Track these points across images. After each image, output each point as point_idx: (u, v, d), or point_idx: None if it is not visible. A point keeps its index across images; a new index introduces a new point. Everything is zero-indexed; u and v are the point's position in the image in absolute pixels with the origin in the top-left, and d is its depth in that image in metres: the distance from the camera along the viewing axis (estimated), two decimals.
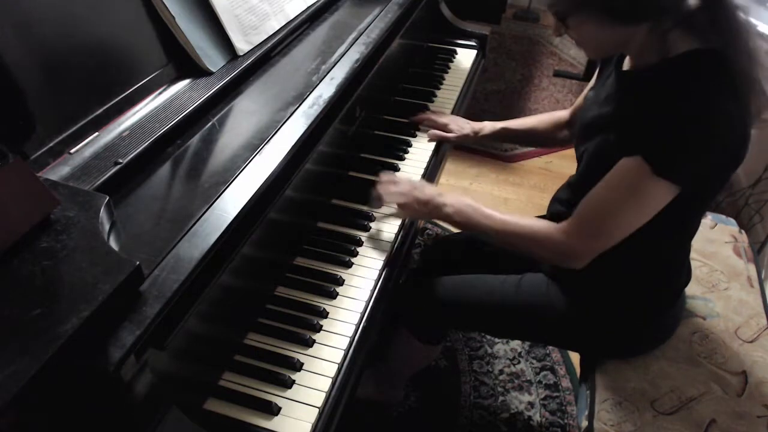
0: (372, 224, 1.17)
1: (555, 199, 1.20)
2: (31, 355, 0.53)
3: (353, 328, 0.97)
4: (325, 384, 0.88)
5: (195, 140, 0.93)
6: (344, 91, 1.11)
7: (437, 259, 1.44)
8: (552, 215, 1.18)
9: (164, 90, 0.99)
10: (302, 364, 0.90)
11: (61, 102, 0.83)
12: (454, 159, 2.57)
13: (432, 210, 1.11)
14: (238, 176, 0.85)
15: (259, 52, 1.13)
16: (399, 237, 1.16)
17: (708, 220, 1.52)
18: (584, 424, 1.11)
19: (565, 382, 1.70)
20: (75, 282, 0.60)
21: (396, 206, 1.16)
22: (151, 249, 0.71)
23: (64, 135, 0.82)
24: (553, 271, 1.17)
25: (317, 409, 0.85)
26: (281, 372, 0.89)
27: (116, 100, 0.90)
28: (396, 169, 1.31)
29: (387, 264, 1.10)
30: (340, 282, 1.04)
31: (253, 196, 0.82)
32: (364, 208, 1.19)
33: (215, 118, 0.98)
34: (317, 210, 1.17)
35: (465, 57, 1.77)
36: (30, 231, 0.64)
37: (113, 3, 0.92)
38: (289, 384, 0.87)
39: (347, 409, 0.90)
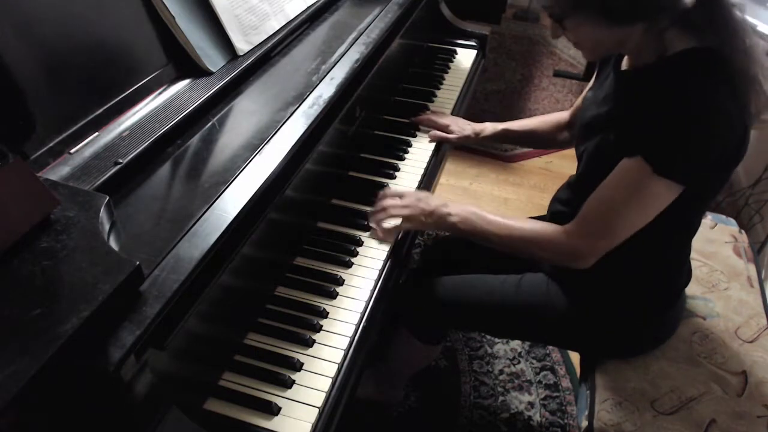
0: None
1: (555, 199, 1.20)
2: (31, 355, 0.53)
3: (353, 328, 0.97)
4: (325, 384, 0.88)
5: (195, 140, 0.93)
6: (344, 91, 1.11)
7: (437, 259, 1.44)
8: (552, 215, 1.18)
9: (164, 90, 0.99)
10: (302, 364, 0.90)
11: (61, 102, 0.83)
12: (454, 159, 2.57)
13: (437, 220, 1.12)
14: (238, 176, 0.85)
15: (259, 52, 1.13)
16: (399, 237, 1.16)
17: (708, 220, 1.52)
18: (584, 424, 1.11)
19: (565, 382, 1.70)
20: (75, 282, 0.60)
21: (401, 219, 1.15)
22: (151, 249, 0.71)
23: (64, 135, 0.82)
24: (553, 270, 1.17)
25: (317, 409, 0.85)
26: (281, 372, 0.89)
27: (116, 100, 0.90)
28: (396, 168, 1.31)
29: (387, 264, 1.10)
30: (340, 282, 1.04)
31: (253, 196, 0.82)
32: (364, 208, 1.19)
33: (215, 118, 0.98)
34: (317, 210, 1.17)
35: (465, 57, 1.77)
36: (30, 231, 0.64)
37: (113, 3, 0.92)
38: (289, 384, 0.87)
39: (347, 409, 0.90)
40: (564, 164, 2.59)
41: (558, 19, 0.95)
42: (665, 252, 1.08)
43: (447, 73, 1.69)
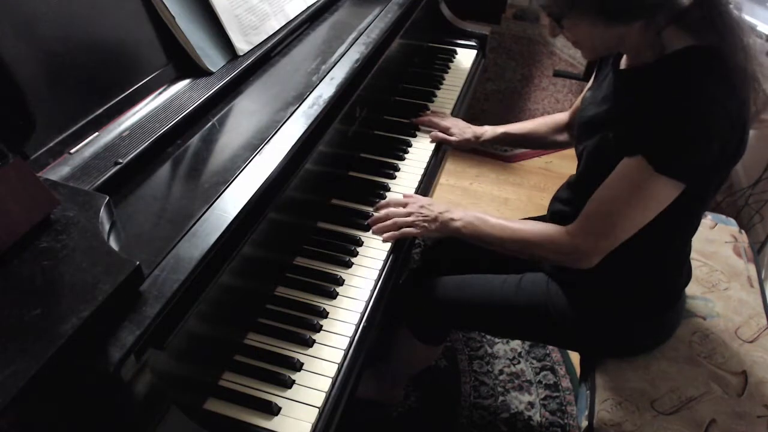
0: None
1: (555, 199, 1.20)
2: (31, 355, 0.53)
3: (353, 328, 0.97)
4: (325, 384, 0.88)
5: (195, 140, 0.93)
6: (344, 91, 1.11)
7: (437, 259, 1.44)
8: (552, 214, 1.18)
9: (164, 90, 0.99)
10: (302, 364, 0.90)
11: (61, 102, 0.83)
12: (454, 159, 2.57)
13: (440, 226, 1.12)
14: (238, 176, 0.85)
15: (259, 52, 1.13)
16: None
17: (708, 220, 1.52)
18: (584, 424, 1.11)
19: (565, 382, 1.70)
20: (75, 282, 0.60)
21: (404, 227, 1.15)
22: (151, 249, 0.71)
23: (64, 135, 0.82)
24: (554, 270, 1.17)
25: (317, 409, 0.85)
26: (281, 372, 0.89)
27: (116, 100, 0.90)
28: (396, 168, 1.31)
29: (387, 264, 1.10)
30: (340, 282, 1.04)
31: (253, 196, 0.82)
32: (364, 208, 1.19)
33: (215, 118, 0.98)
34: (317, 210, 1.17)
35: (465, 57, 1.77)
36: (30, 231, 0.64)
37: (113, 3, 0.92)
38: (289, 384, 0.87)
39: (347, 409, 0.90)
40: (564, 164, 2.59)
41: (556, 18, 0.95)
42: (665, 251, 1.08)
43: (447, 73, 1.69)
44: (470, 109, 1.72)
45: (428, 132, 1.43)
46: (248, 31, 1.13)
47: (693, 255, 1.17)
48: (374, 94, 1.35)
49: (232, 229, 0.78)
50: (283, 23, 1.22)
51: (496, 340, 1.80)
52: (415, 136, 1.42)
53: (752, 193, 2.02)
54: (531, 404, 1.64)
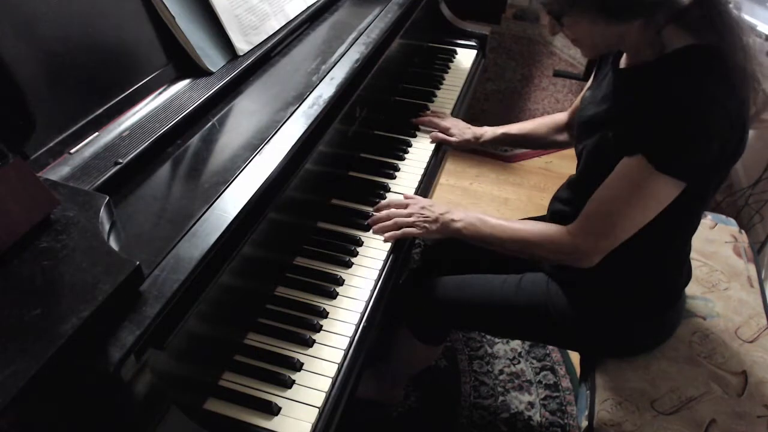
0: None
1: (555, 198, 1.20)
2: (31, 355, 0.53)
3: (353, 328, 0.97)
4: (325, 384, 0.88)
5: (195, 140, 0.93)
6: (344, 91, 1.11)
7: (437, 259, 1.44)
8: (552, 214, 1.18)
9: (164, 90, 0.99)
10: (302, 364, 0.90)
11: (61, 102, 0.83)
12: (454, 159, 2.57)
13: (441, 227, 1.12)
14: (238, 176, 0.85)
15: (259, 52, 1.13)
16: None
17: (708, 220, 1.52)
18: (584, 424, 1.11)
19: (565, 382, 1.70)
20: (75, 282, 0.60)
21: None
22: (151, 249, 0.71)
23: (64, 135, 0.82)
24: (554, 270, 1.17)
25: (317, 409, 0.85)
26: (281, 372, 0.89)
27: (116, 100, 0.90)
28: (396, 168, 1.31)
29: (387, 264, 1.10)
30: (340, 282, 1.04)
31: (253, 196, 0.82)
32: (364, 208, 1.19)
33: (215, 118, 0.98)
34: (317, 210, 1.17)
35: (465, 57, 1.77)
36: (30, 231, 0.64)
37: (113, 3, 0.92)
38: (289, 384, 0.87)
39: (347, 409, 0.90)
40: (564, 164, 2.60)
41: (556, 16, 0.95)
42: (665, 251, 1.08)
43: (447, 73, 1.69)
44: (470, 109, 1.72)
45: (428, 132, 1.43)
46: (248, 31, 1.13)
47: (693, 255, 1.17)
48: (374, 94, 1.35)
49: (232, 229, 0.78)
50: (283, 23, 1.22)
51: (496, 340, 1.80)
52: (415, 136, 1.42)
53: (752, 193, 2.02)
54: (531, 404, 1.64)
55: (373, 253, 1.11)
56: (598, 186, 0.98)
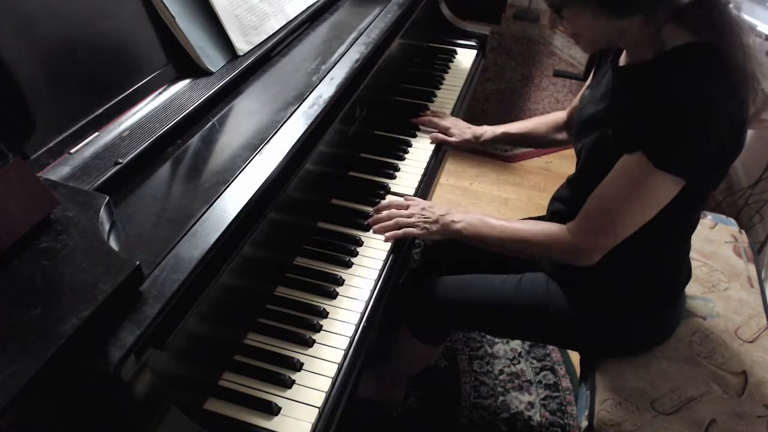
0: None
1: (555, 198, 1.20)
2: (31, 355, 0.53)
3: (353, 328, 0.97)
4: (325, 384, 0.88)
5: (195, 140, 0.93)
6: (344, 91, 1.11)
7: (437, 259, 1.44)
8: (552, 214, 1.18)
9: (164, 90, 0.99)
10: (302, 364, 0.90)
11: (62, 102, 0.83)
12: (454, 159, 2.57)
13: (442, 227, 1.12)
14: (238, 176, 0.85)
15: (259, 52, 1.13)
16: None
17: (708, 220, 1.52)
18: (584, 424, 1.11)
19: (565, 382, 1.70)
20: (75, 282, 0.60)
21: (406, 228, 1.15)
22: (151, 249, 0.71)
23: (64, 135, 0.82)
24: (554, 270, 1.17)
25: (317, 409, 0.85)
26: (281, 372, 0.89)
27: (116, 100, 0.90)
28: (396, 168, 1.31)
29: (387, 264, 1.10)
30: (340, 282, 1.04)
31: (253, 196, 0.82)
32: (364, 208, 1.19)
33: (215, 118, 0.98)
34: (317, 210, 1.17)
35: (465, 57, 1.77)
36: (30, 231, 0.64)
37: (113, 3, 0.92)
38: (289, 384, 0.87)
39: (347, 409, 0.90)
40: (564, 164, 2.59)
41: (557, 9, 0.95)
42: (665, 249, 1.08)
43: (447, 73, 1.69)
44: (470, 109, 1.72)
45: (428, 132, 1.43)
46: (248, 31, 1.13)
47: (693, 255, 1.17)
48: (374, 94, 1.35)
49: (232, 229, 0.78)
50: (283, 23, 1.22)
51: (496, 340, 1.80)
52: (415, 136, 1.42)
53: (752, 193, 2.02)
54: (531, 404, 1.64)
55: (373, 253, 1.11)
56: (597, 184, 0.98)
